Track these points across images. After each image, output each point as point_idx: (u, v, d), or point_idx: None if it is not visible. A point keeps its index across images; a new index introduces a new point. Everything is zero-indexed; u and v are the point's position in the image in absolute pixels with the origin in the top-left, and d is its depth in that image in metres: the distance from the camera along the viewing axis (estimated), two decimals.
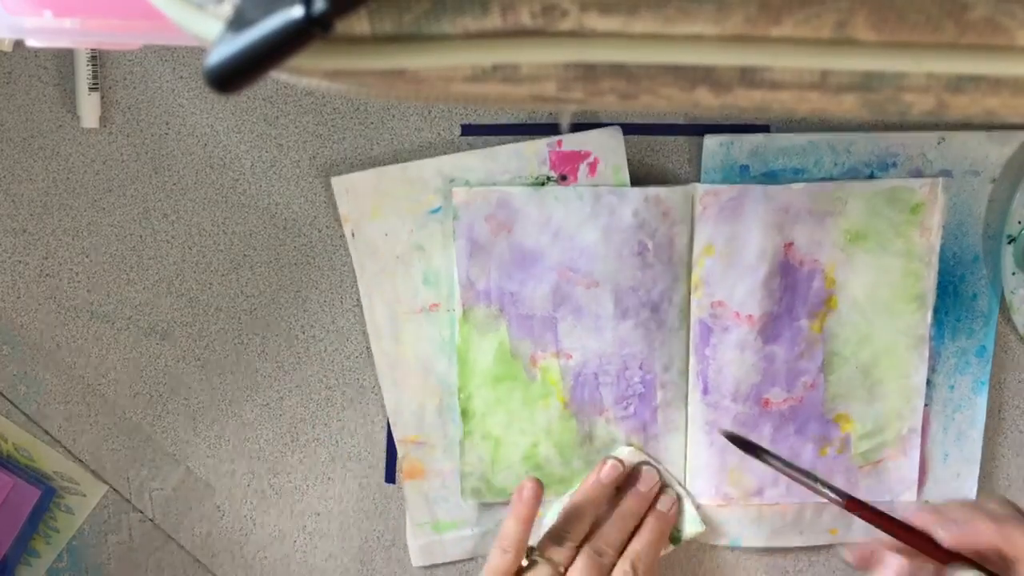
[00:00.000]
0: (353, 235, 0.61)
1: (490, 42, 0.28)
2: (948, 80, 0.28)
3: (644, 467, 0.62)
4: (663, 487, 0.63)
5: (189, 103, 0.60)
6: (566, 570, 0.58)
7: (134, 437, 0.64)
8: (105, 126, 0.60)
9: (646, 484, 0.62)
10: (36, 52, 0.58)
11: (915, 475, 0.64)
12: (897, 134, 0.60)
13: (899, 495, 0.64)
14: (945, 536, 0.52)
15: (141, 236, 0.61)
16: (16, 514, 0.63)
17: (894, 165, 0.61)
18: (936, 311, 0.62)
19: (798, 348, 0.62)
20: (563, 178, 0.60)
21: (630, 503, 0.61)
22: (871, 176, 0.61)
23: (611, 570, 0.58)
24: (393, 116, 0.60)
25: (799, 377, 0.62)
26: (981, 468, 0.65)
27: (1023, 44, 0.27)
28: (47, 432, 0.63)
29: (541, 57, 0.28)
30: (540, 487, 0.60)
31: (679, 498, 0.63)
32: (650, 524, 0.61)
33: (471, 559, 0.67)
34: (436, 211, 0.60)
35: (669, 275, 0.61)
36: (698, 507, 0.63)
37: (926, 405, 0.63)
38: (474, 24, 0.27)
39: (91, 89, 0.58)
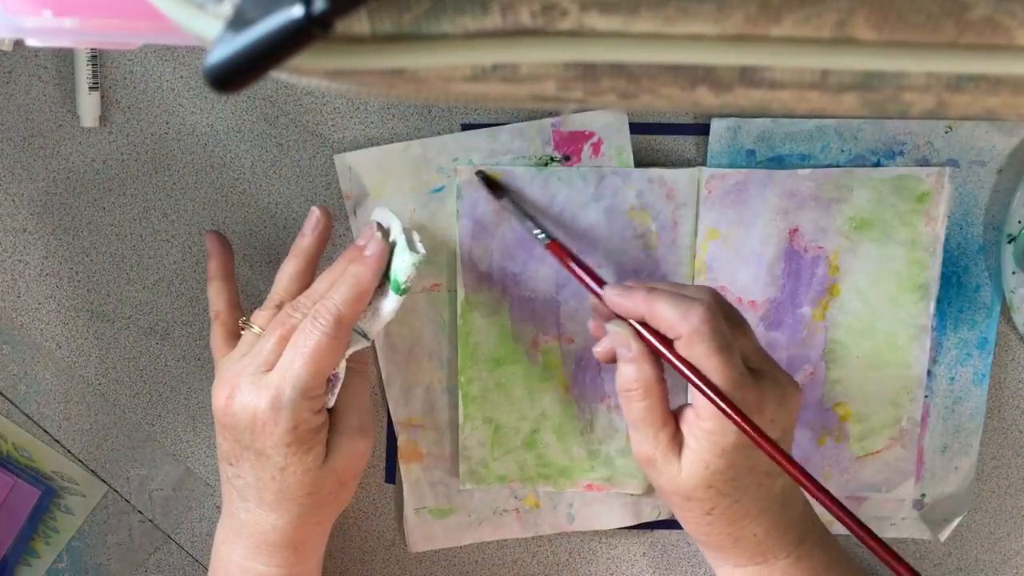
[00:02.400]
0: (355, 214, 0.61)
1: (490, 42, 0.28)
2: (948, 79, 0.28)
3: (370, 224, 0.56)
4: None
5: (189, 103, 0.60)
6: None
7: (134, 437, 0.64)
8: (105, 125, 0.60)
9: (363, 237, 0.55)
10: (36, 52, 0.58)
11: (914, 466, 0.64)
12: (904, 122, 0.60)
13: (897, 486, 0.64)
14: (607, 295, 0.52)
15: (141, 236, 0.61)
16: (16, 514, 0.63)
17: (901, 153, 0.61)
18: (939, 301, 0.62)
19: (800, 336, 0.62)
20: (566, 158, 0.60)
21: (342, 257, 0.55)
22: (878, 164, 0.61)
23: None
24: (393, 116, 0.60)
25: (800, 365, 0.62)
26: (981, 467, 0.65)
27: (1023, 43, 0.27)
28: (47, 432, 0.63)
29: (541, 57, 0.28)
30: (222, 238, 0.58)
31: (393, 241, 0.54)
32: (347, 271, 0.53)
33: (470, 545, 0.67)
34: (439, 190, 0.60)
35: (672, 259, 0.61)
36: (415, 241, 0.54)
37: (926, 397, 0.63)
38: (474, 24, 0.27)
39: (91, 89, 0.58)
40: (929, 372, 0.63)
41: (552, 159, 0.60)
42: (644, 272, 0.61)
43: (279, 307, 0.55)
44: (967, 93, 0.29)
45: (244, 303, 0.62)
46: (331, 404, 0.54)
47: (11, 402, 0.63)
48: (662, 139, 0.61)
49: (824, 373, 0.62)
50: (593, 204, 0.60)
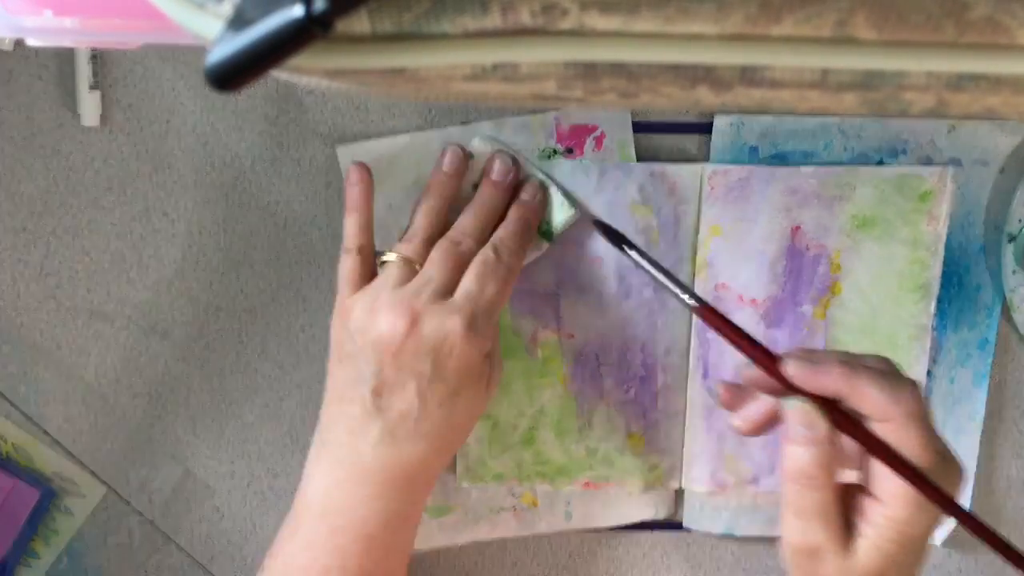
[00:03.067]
0: None
1: (490, 41, 0.28)
2: (948, 79, 0.28)
3: (498, 155, 0.58)
4: (526, 176, 0.58)
5: (189, 102, 0.60)
6: (421, 266, 0.54)
7: (134, 437, 0.64)
8: (105, 125, 0.60)
9: (499, 173, 0.57)
10: (36, 51, 0.58)
11: None
12: (907, 121, 0.60)
13: None
14: (791, 369, 0.47)
15: (141, 235, 0.61)
16: (15, 515, 0.63)
17: (904, 152, 0.61)
18: (939, 301, 0.62)
19: (800, 334, 0.62)
20: (569, 151, 0.60)
21: (485, 192, 0.57)
22: (880, 162, 0.61)
23: (470, 258, 0.54)
24: (394, 115, 0.60)
25: None
26: (981, 467, 0.65)
27: (1023, 43, 0.27)
28: (47, 432, 0.63)
29: (541, 56, 0.28)
30: (367, 169, 0.56)
31: (543, 186, 0.58)
32: (512, 213, 0.56)
33: (469, 546, 0.67)
34: None
35: (673, 255, 0.61)
36: (567, 194, 0.58)
37: (926, 397, 0.63)
38: (474, 23, 0.27)
39: (91, 88, 0.58)
40: (929, 373, 0.63)
41: (555, 151, 0.60)
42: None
43: (427, 242, 0.55)
44: (967, 92, 0.29)
45: (245, 303, 0.62)
46: None
47: (11, 402, 0.63)
48: (664, 136, 0.61)
49: None
50: (594, 197, 0.60)
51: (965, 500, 0.65)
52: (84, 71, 0.58)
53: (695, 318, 0.61)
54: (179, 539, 0.66)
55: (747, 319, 0.61)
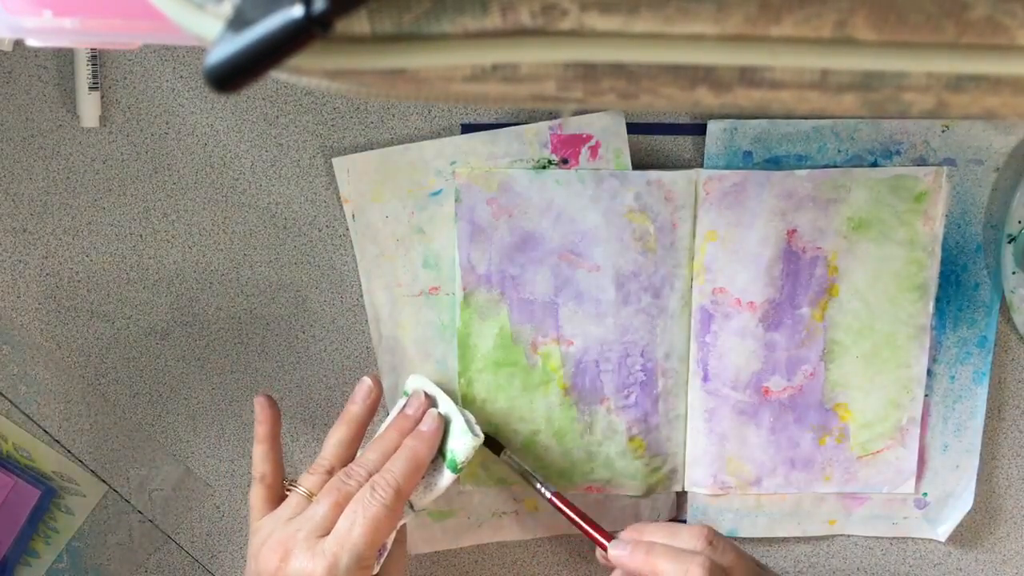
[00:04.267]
0: (354, 217, 0.61)
1: (490, 42, 0.28)
2: (948, 79, 0.28)
3: (413, 395, 0.60)
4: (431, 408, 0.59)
5: (189, 103, 0.60)
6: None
7: (134, 437, 0.64)
8: (105, 125, 0.60)
9: (412, 407, 0.59)
10: (36, 51, 0.58)
11: (914, 466, 0.64)
12: (901, 122, 0.60)
13: (898, 486, 0.64)
14: (611, 553, 0.57)
15: (141, 236, 0.61)
16: (16, 514, 0.63)
17: (898, 153, 0.61)
18: (938, 300, 0.62)
19: (799, 336, 0.62)
20: (564, 161, 0.60)
21: (390, 427, 0.58)
22: (875, 164, 0.61)
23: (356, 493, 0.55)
24: (393, 116, 0.60)
25: (799, 365, 0.62)
26: (981, 465, 0.65)
27: (1023, 43, 0.27)
28: (47, 432, 0.63)
29: (541, 57, 0.28)
30: (272, 403, 0.59)
31: (444, 417, 0.58)
32: (406, 444, 0.57)
33: (470, 546, 0.67)
34: (437, 194, 0.60)
35: (671, 260, 0.61)
36: (469, 422, 0.58)
37: (926, 395, 0.63)
38: (474, 24, 0.27)
39: (91, 89, 0.58)
40: (929, 371, 0.63)
41: (550, 162, 0.60)
42: (643, 275, 0.61)
43: (329, 473, 0.56)
44: (967, 93, 0.29)
45: (245, 303, 0.62)
46: (375, 572, 0.55)
47: (11, 402, 0.63)
48: (660, 139, 0.61)
49: (824, 373, 0.62)
50: (591, 206, 0.60)
51: (968, 497, 0.65)
52: (83, 72, 0.58)
53: (694, 322, 0.61)
54: (179, 538, 0.66)
55: (746, 323, 0.61)
